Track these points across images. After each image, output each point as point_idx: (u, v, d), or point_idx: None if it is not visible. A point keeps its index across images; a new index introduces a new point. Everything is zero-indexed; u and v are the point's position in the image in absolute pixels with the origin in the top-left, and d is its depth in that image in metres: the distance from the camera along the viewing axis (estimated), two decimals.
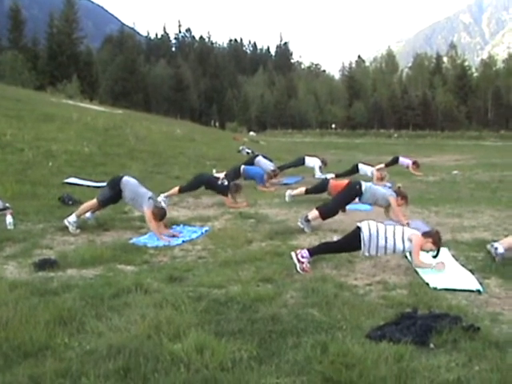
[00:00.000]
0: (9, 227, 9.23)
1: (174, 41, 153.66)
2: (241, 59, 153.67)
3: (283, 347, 4.38)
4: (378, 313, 5.22)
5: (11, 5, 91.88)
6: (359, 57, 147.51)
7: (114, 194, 9.62)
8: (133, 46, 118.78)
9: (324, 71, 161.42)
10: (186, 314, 5.01)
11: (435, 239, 6.87)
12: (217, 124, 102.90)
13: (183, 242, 8.67)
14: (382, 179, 18.11)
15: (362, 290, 6.12)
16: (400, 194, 9.78)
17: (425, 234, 6.95)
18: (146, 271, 6.87)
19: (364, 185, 9.89)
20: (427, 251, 6.91)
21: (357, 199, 10.02)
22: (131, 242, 8.60)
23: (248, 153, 27.36)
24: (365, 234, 6.86)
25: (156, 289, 5.94)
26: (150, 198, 9.12)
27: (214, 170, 17.87)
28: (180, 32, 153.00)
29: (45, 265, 6.92)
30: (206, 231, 9.47)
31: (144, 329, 4.64)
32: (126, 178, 9.61)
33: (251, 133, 73.97)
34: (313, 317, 5.09)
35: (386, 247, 6.86)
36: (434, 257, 6.89)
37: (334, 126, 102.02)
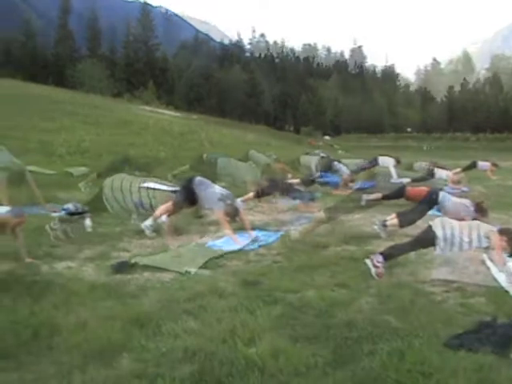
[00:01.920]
0: (88, 230, 9.48)
1: (248, 46, 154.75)
2: (315, 63, 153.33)
3: (359, 354, 4.33)
4: (456, 321, 5.10)
5: (89, 15, 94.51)
6: (434, 59, 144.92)
7: (187, 196, 9.70)
8: (207, 52, 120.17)
9: (398, 74, 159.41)
10: (260, 318, 5.01)
11: (510, 237, 6.65)
12: (291, 128, 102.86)
13: (258, 246, 8.69)
14: (458, 182, 17.75)
15: (439, 296, 6.00)
16: (479, 208, 9.38)
17: (500, 232, 6.74)
18: (221, 275, 6.91)
19: (441, 195, 9.64)
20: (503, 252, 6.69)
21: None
22: (207, 245, 8.68)
23: (323, 157, 27.25)
24: (438, 234, 6.74)
25: (231, 293, 5.97)
26: (219, 199, 9.15)
27: (290, 175, 17.91)
28: (254, 37, 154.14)
29: (122, 267, 7.06)
30: (281, 236, 9.47)
31: (219, 332, 4.67)
32: (198, 179, 9.68)
33: (326, 137, 73.66)
34: (389, 323, 5.02)
35: (461, 245, 6.73)
36: (510, 256, 6.69)
37: (409, 129, 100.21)
